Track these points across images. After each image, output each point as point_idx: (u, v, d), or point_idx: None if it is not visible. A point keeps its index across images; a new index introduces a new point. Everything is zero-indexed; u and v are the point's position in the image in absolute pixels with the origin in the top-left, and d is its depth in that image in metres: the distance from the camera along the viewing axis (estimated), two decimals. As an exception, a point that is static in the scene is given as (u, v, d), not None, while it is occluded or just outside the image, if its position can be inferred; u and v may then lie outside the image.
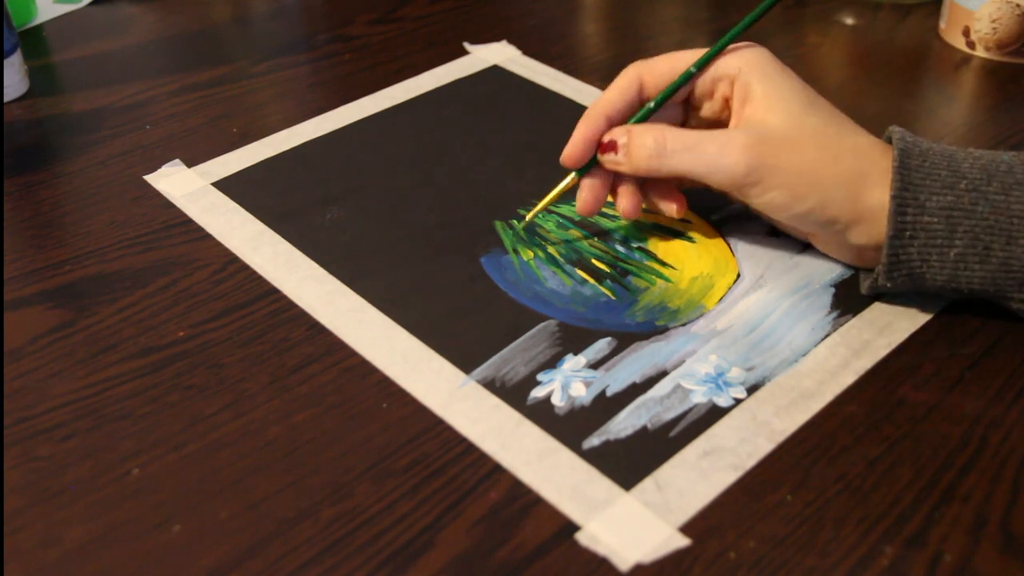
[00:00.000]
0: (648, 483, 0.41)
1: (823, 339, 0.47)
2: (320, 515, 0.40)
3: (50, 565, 0.38)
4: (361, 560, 0.38)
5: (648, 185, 0.52)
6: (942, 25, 0.74)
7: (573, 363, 0.46)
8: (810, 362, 0.46)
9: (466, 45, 0.74)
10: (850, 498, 0.40)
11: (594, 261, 0.52)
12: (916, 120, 0.65)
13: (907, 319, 0.48)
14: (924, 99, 0.68)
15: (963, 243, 0.44)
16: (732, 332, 0.48)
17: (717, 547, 0.38)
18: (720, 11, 0.79)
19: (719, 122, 0.51)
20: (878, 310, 0.49)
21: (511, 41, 0.74)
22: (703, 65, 0.50)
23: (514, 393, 0.45)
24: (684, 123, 0.53)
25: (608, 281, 0.51)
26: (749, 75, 0.48)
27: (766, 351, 0.47)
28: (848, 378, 0.45)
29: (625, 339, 0.47)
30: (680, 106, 0.52)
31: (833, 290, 0.50)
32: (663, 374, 0.46)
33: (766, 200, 0.47)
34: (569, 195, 0.57)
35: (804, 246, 0.53)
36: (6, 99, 0.68)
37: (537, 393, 0.45)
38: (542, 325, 0.48)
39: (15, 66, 0.68)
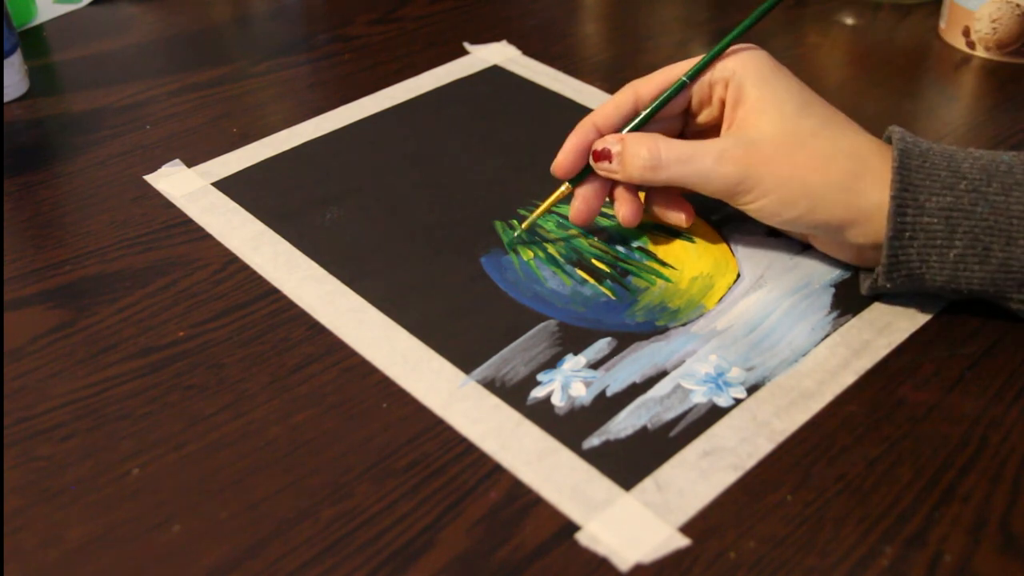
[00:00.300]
0: (648, 483, 0.41)
1: (823, 339, 0.47)
2: (320, 515, 0.40)
3: (50, 565, 0.38)
4: (361, 560, 0.38)
5: (653, 194, 0.53)
6: (942, 25, 0.74)
7: (573, 363, 0.46)
8: (810, 362, 0.46)
9: (466, 45, 0.74)
10: (850, 498, 0.40)
11: (594, 261, 0.52)
12: (916, 120, 0.65)
13: (907, 319, 0.48)
14: (924, 99, 0.68)
15: (963, 244, 0.44)
16: (732, 332, 0.48)
17: (717, 547, 0.38)
18: (720, 11, 0.79)
19: (718, 127, 0.51)
20: (878, 310, 0.49)
21: (511, 41, 0.74)
22: (695, 75, 0.50)
23: (514, 393, 0.45)
24: (682, 133, 0.53)
25: (608, 281, 0.51)
26: (743, 78, 0.48)
27: (766, 351, 0.47)
28: (848, 378, 0.45)
29: (625, 339, 0.47)
30: (679, 117, 0.52)
31: (833, 290, 0.50)
32: (663, 374, 0.46)
33: (757, 207, 0.47)
34: (570, 195, 0.57)
35: (804, 246, 0.53)
36: (6, 99, 0.68)
37: (537, 393, 0.45)
38: (542, 325, 0.48)
39: (15, 66, 0.68)
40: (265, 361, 0.47)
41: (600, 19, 0.81)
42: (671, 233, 0.54)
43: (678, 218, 0.52)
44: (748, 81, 0.48)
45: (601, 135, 0.51)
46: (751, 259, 0.52)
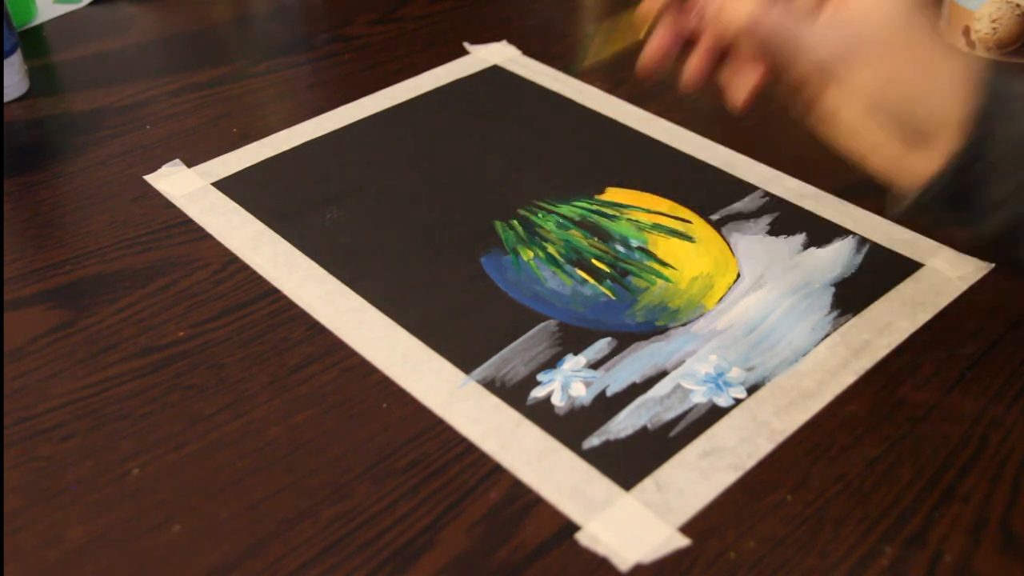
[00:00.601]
0: (648, 483, 0.41)
1: (823, 339, 0.47)
2: (320, 515, 0.40)
3: (50, 565, 0.38)
4: (361, 560, 0.38)
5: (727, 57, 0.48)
6: (942, 25, 0.74)
7: (573, 363, 0.46)
8: (810, 362, 0.46)
9: (466, 45, 0.74)
10: (850, 498, 0.40)
11: (594, 261, 0.52)
12: (916, 120, 0.65)
13: (907, 319, 0.48)
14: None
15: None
16: (732, 332, 0.48)
17: (717, 547, 0.38)
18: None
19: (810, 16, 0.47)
20: (878, 310, 0.49)
21: (511, 41, 0.74)
22: None
23: (514, 393, 0.45)
24: None
25: (608, 281, 0.51)
26: None
27: (766, 351, 0.47)
28: (848, 378, 0.45)
29: (625, 339, 0.47)
30: None
31: (833, 290, 0.50)
32: (663, 374, 0.46)
33: (849, 95, 0.44)
34: (570, 196, 0.57)
35: (804, 246, 0.53)
36: (6, 99, 0.68)
37: (537, 393, 0.45)
38: (542, 325, 0.48)
39: (15, 66, 0.68)
40: (265, 361, 0.47)
41: (600, 19, 0.81)
42: (671, 233, 0.54)
43: (746, 81, 0.47)
44: None
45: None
46: (751, 259, 0.52)
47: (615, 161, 0.60)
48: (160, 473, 0.42)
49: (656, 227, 0.55)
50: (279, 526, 0.39)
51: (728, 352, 0.47)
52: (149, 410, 0.45)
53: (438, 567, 0.38)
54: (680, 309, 0.49)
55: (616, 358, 0.46)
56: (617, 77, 0.69)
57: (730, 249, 0.53)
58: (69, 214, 0.58)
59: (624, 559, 0.38)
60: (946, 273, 0.51)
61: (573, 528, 0.39)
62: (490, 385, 0.45)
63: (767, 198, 0.56)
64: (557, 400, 0.44)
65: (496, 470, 0.42)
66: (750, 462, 0.41)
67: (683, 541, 0.38)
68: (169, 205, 0.58)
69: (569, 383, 0.45)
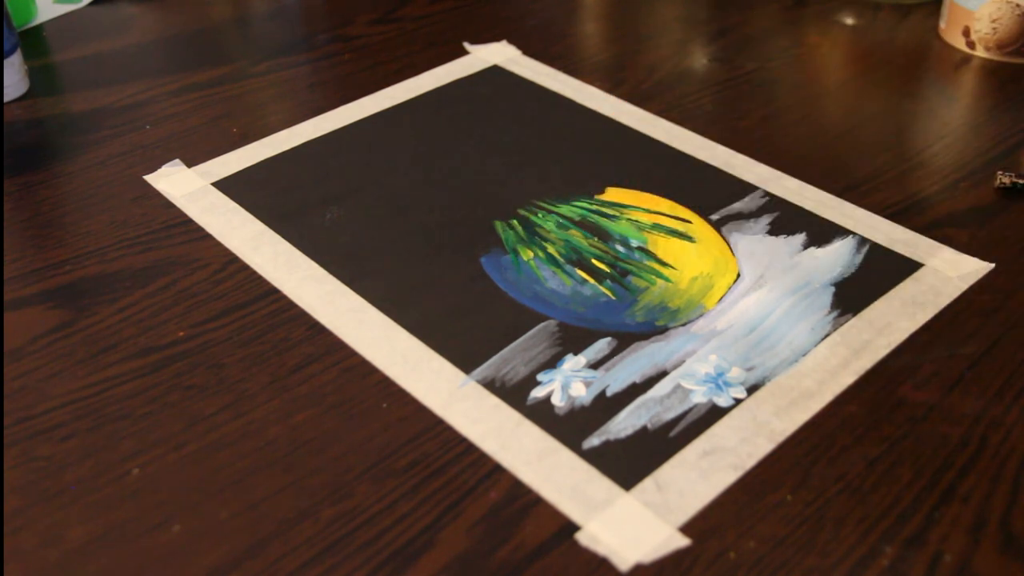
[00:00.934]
0: (648, 483, 0.41)
1: (823, 339, 0.47)
2: (320, 515, 0.40)
3: (50, 565, 0.38)
4: (361, 560, 0.38)
5: None
6: (942, 25, 0.74)
7: (573, 363, 0.46)
8: (810, 362, 0.46)
9: (466, 45, 0.74)
10: (850, 498, 0.40)
11: (594, 261, 0.52)
12: (916, 120, 0.65)
13: (907, 319, 0.48)
14: (924, 99, 0.68)
15: None
16: (732, 332, 0.48)
17: (717, 547, 0.38)
18: (720, 11, 0.79)
19: None
20: (878, 310, 0.49)
21: (511, 41, 0.74)
22: None
23: (514, 393, 0.45)
24: None
25: (608, 281, 0.51)
26: None
27: (766, 351, 0.47)
28: (848, 378, 0.45)
29: (625, 339, 0.47)
30: None
31: (833, 290, 0.50)
32: (663, 374, 0.46)
33: None
34: (570, 196, 0.57)
35: (804, 246, 0.53)
36: (6, 99, 0.68)
37: (537, 393, 0.45)
38: (542, 325, 0.48)
39: (15, 66, 0.68)
40: (265, 361, 0.47)
41: (600, 19, 0.81)
42: (671, 233, 0.54)
43: None
44: None
45: None
46: (751, 259, 0.52)
47: (615, 161, 0.60)
48: (160, 473, 0.42)
49: (656, 227, 0.55)
50: (279, 526, 0.39)
51: (728, 352, 0.47)
52: (149, 410, 0.45)
53: (438, 567, 0.38)
54: (680, 309, 0.49)
55: (616, 358, 0.46)
56: (617, 77, 0.69)
57: (730, 249, 0.53)
58: (69, 214, 0.58)
59: (624, 559, 0.38)
60: (946, 273, 0.51)
61: (573, 528, 0.39)
62: (490, 385, 0.45)
63: (767, 198, 0.56)
64: (557, 400, 0.44)
65: (496, 470, 0.42)
66: (750, 462, 0.41)
67: (683, 541, 0.38)
68: (169, 205, 0.58)
69: (569, 383, 0.45)
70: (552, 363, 0.46)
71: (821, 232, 0.54)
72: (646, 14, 0.79)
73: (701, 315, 0.49)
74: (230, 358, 0.47)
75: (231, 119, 0.66)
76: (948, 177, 0.59)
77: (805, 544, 0.38)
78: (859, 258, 0.52)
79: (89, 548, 0.39)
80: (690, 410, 0.44)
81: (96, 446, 0.43)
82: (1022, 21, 0.69)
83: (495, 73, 0.70)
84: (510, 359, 0.46)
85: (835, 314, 0.49)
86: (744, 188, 0.57)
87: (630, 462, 0.41)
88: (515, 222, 0.55)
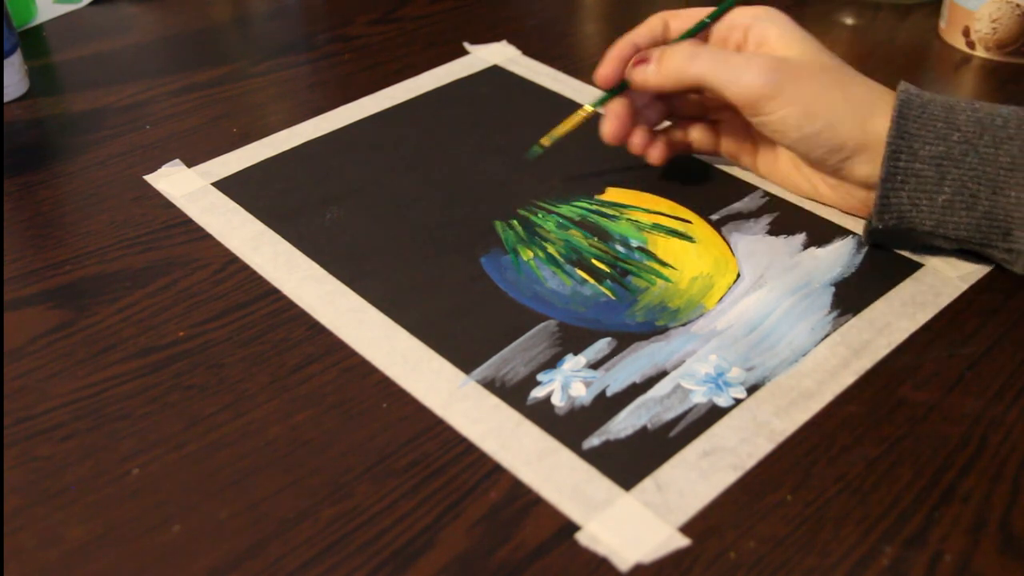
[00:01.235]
0: (648, 483, 0.41)
1: (823, 339, 0.47)
2: (320, 515, 0.40)
3: (50, 565, 0.38)
4: (361, 560, 0.38)
5: (675, 107, 0.57)
6: (942, 25, 0.74)
7: (573, 363, 0.46)
8: (810, 362, 0.46)
9: (466, 45, 0.74)
10: (850, 498, 0.40)
11: (594, 261, 0.52)
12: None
13: (907, 319, 0.48)
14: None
15: (951, 190, 0.47)
16: (732, 332, 0.48)
17: (717, 547, 0.38)
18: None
19: None
20: (878, 310, 0.49)
21: (511, 41, 0.74)
22: (718, 16, 0.54)
23: (514, 393, 0.45)
24: None
25: (608, 281, 0.51)
26: (765, 22, 0.52)
27: (766, 351, 0.47)
28: (848, 378, 0.45)
29: (625, 339, 0.47)
30: None
31: (833, 290, 0.50)
32: (663, 374, 0.46)
33: (780, 116, 0.49)
34: (569, 195, 0.57)
35: (804, 246, 0.53)
36: (6, 99, 0.68)
37: (537, 393, 0.45)
38: (542, 325, 0.48)
39: (15, 66, 0.68)
40: (265, 361, 0.47)
41: (600, 19, 0.81)
42: (671, 233, 0.54)
43: (692, 137, 0.57)
44: (770, 24, 0.51)
45: (639, 50, 0.54)
46: (751, 259, 0.52)
47: (615, 161, 0.60)
48: (160, 473, 0.42)
49: (656, 227, 0.55)
50: (279, 526, 0.39)
51: (728, 352, 0.47)
52: (149, 410, 0.45)
53: (438, 567, 0.38)
54: (680, 309, 0.49)
55: (616, 358, 0.46)
56: (617, 77, 0.69)
57: (730, 249, 0.53)
58: (69, 214, 0.58)
59: (624, 559, 0.38)
60: (946, 273, 0.51)
61: (573, 528, 0.39)
62: (490, 385, 0.45)
63: (767, 198, 0.56)
64: (557, 400, 0.44)
65: (496, 470, 0.42)
66: (750, 462, 0.41)
67: (683, 541, 0.38)
68: (169, 205, 0.58)
69: (569, 383, 0.45)
70: (552, 363, 0.46)
71: (821, 232, 0.54)
72: (646, 14, 0.79)
73: (701, 315, 0.49)
74: (230, 358, 0.47)
75: (231, 119, 0.66)
76: (948, 177, 0.59)
77: (805, 544, 0.38)
78: (859, 258, 0.52)
79: (89, 548, 0.39)
80: (690, 410, 0.44)
81: (96, 446, 0.43)
82: (1022, 21, 0.69)
83: (495, 73, 0.70)
84: (510, 359, 0.46)
85: (835, 314, 0.49)
86: (744, 188, 0.57)
87: (630, 462, 0.41)
88: (515, 222, 0.55)
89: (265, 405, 0.45)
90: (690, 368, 0.46)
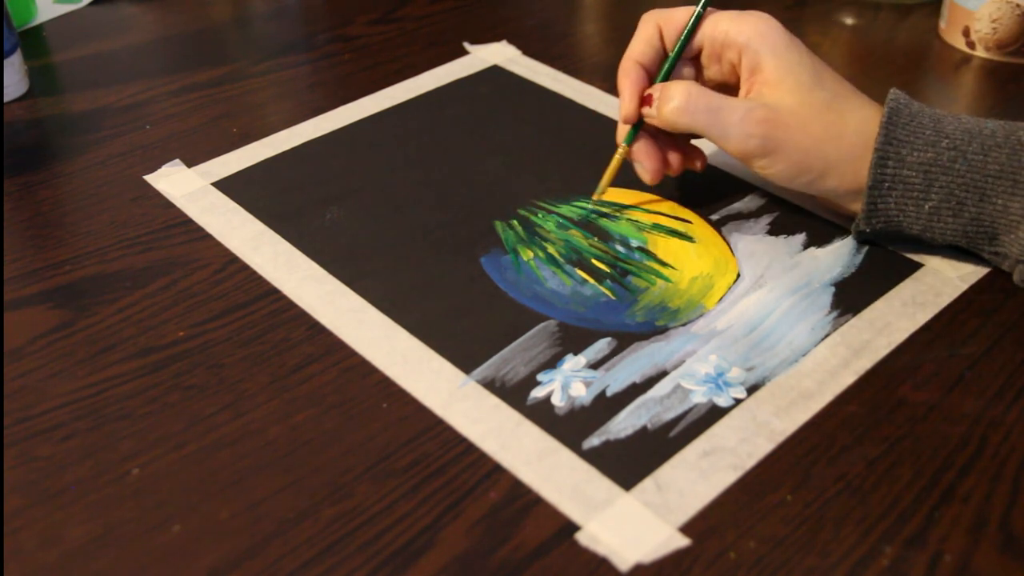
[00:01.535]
0: (648, 483, 0.41)
1: (823, 339, 0.47)
2: (320, 515, 0.40)
3: (50, 565, 0.38)
4: (361, 560, 0.38)
5: (672, 139, 0.55)
6: (942, 25, 0.74)
7: (573, 363, 0.46)
8: (810, 362, 0.46)
9: (466, 45, 0.74)
10: (850, 498, 0.40)
11: (594, 261, 0.52)
12: (916, 120, 0.65)
13: (907, 319, 0.48)
14: (924, 99, 0.68)
15: (938, 197, 0.47)
16: (732, 332, 0.48)
17: (717, 547, 0.38)
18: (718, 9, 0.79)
19: (726, 84, 0.53)
20: (878, 310, 0.49)
21: (511, 41, 0.74)
22: (698, 22, 0.52)
23: (514, 393, 0.45)
24: (697, 79, 0.55)
25: (608, 281, 0.51)
26: (759, 46, 0.50)
27: (766, 351, 0.47)
28: (848, 378, 0.45)
29: (625, 339, 0.47)
30: (692, 64, 0.54)
31: (833, 290, 0.50)
32: (663, 374, 0.46)
33: (773, 172, 0.50)
34: (570, 196, 0.57)
35: (804, 246, 0.53)
36: (6, 99, 0.68)
37: (537, 393, 0.45)
38: (542, 325, 0.48)
39: (15, 66, 0.68)
40: (265, 361, 0.47)
41: (600, 19, 0.81)
42: (671, 233, 0.54)
43: (694, 163, 0.56)
44: (764, 50, 0.50)
45: (647, 71, 0.53)
46: (751, 259, 0.52)
47: (615, 161, 0.60)
48: (160, 473, 0.42)
49: (656, 227, 0.55)
50: (279, 526, 0.39)
51: (728, 352, 0.47)
52: (149, 410, 0.45)
53: (438, 567, 0.38)
54: (680, 309, 0.49)
55: (616, 358, 0.46)
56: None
57: (730, 249, 0.53)
58: (69, 214, 0.58)
59: (624, 559, 0.38)
60: (946, 273, 0.51)
61: (573, 528, 0.39)
62: (490, 385, 0.45)
63: (767, 198, 0.56)
64: (557, 400, 0.44)
65: (496, 470, 0.42)
66: (750, 462, 0.41)
67: (683, 541, 0.38)
68: (169, 205, 0.58)
69: (569, 383, 0.45)
70: (552, 363, 0.46)
71: (821, 232, 0.54)
72: (646, 14, 0.79)
73: (701, 315, 0.49)
74: (230, 358, 0.47)
75: (231, 119, 0.66)
76: (948, 177, 0.59)
77: (805, 544, 0.38)
78: (859, 258, 0.52)
79: (89, 548, 0.39)
80: (690, 410, 0.44)
81: (96, 446, 0.43)
82: (1022, 21, 0.69)
83: (495, 73, 0.70)
84: (510, 359, 0.46)
85: (835, 314, 0.49)
86: (744, 188, 0.57)
87: (630, 462, 0.41)
88: (515, 222, 0.55)
89: (265, 405, 0.45)
90: (690, 368, 0.46)
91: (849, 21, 0.77)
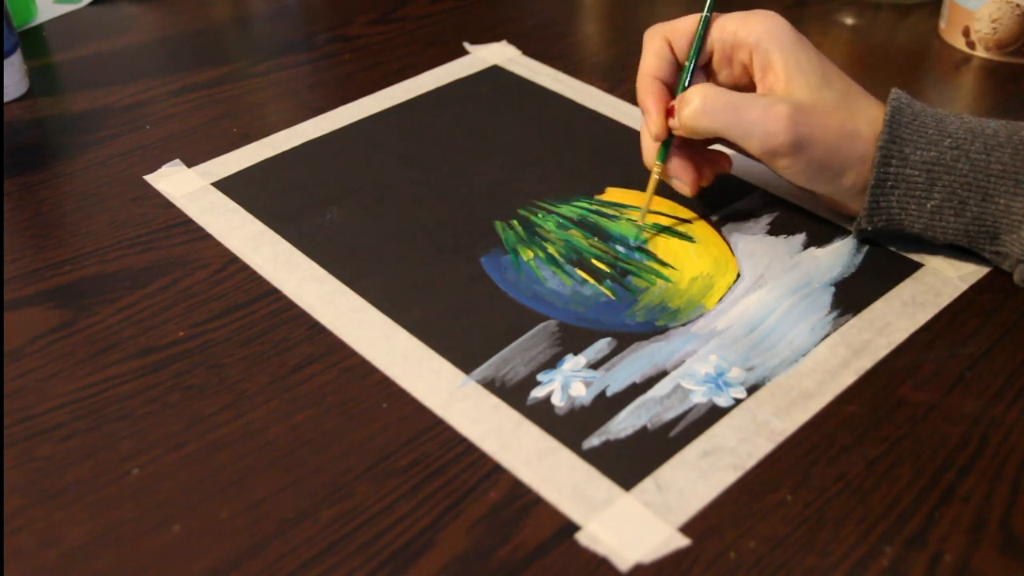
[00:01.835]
0: (648, 483, 0.41)
1: (823, 339, 0.47)
2: (320, 515, 0.40)
3: (50, 565, 0.38)
4: (361, 560, 0.38)
5: (693, 151, 0.54)
6: (942, 25, 0.74)
7: (573, 363, 0.46)
8: (810, 362, 0.46)
9: (466, 45, 0.74)
10: (850, 498, 0.40)
11: (594, 261, 0.52)
12: (916, 120, 0.65)
13: (907, 319, 0.48)
14: (924, 99, 0.68)
15: (940, 196, 0.47)
16: (732, 332, 0.48)
17: (717, 547, 0.38)
18: (720, 11, 0.79)
19: (738, 87, 0.53)
20: (878, 310, 0.49)
21: (511, 41, 0.74)
22: (705, 30, 0.52)
23: (514, 393, 0.45)
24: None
25: (608, 281, 0.51)
26: (768, 44, 0.50)
27: (766, 351, 0.47)
28: (848, 378, 0.45)
29: (625, 339, 0.47)
30: (703, 70, 0.54)
31: (833, 290, 0.50)
32: (663, 374, 0.46)
33: (794, 171, 0.49)
34: (570, 196, 0.57)
35: (804, 246, 0.53)
36: (6, 99, 0.68)
37: (537, 393, 0.45)
38: (542, 325, 0.48)
39: (15, 66, 0.68)
40: (265, 361, 0.47)
41: (600, 19, 0.81)
42: (671, 233, 0.54)
43: (723, 166, 0.55)
44: (774, 48, 0.50)
45: (666, 85, 0.53)
46: (751, 259, 0.52)
47: (615, 161, 0.60)
48: (160, 473, 0.42)
49: (656, 227, 0.55)
50: (279, 526, 0.39)
51: (728, 352, 0.47)
52: (149, 410, 0.45)
53: (438, 567, 0.38)
54: (680, 309, 0.49)
55: (616, 358, 0.46)
56: (617, 77, 0.69)
57: (730, 249, 0.53)
58: (69, 214, 0.58)
59: (624, 559, 0.38)
60: (946, 273, 0.51)
61: (573, 528, 0.39)
62: (490, 385, 0.45)
63: (767, 198, 0.56)
64: (557, 400, 0.44)
65: (496, 470, 0.42)
66: (750, 462, 0.41)
67: (683, 541, 0.38)
68: (169, 205, 0.58)
69: (569, 383, 0.45)
70: (552, 363, 0.46)
71: (821, 232, 0.54)
72: (646, 14, 0.79)
73: (701, 315, 0.49)
74: (230, 358, 0.47)
75: (231, 119, 0.66)
76: (948, 177, 0.59)
77: (805, 544, 0.38)
78: (859, 258, 0.52)
79: (89, 548, 0.39)
80: (690, 410, 0.44)
81: (96, 446, 0.43)
82: (1022, 21, 0.69)
83: (495, 73, 0.70)
84: (510, 359, 0.46)
85: (835, 314, 0.49)
86: (744, 188, 0.57)
87: (630, 462, 0.41)
88: (515, 222, 0.55)
89: (265, 405, 0.45)
90: (690, 368, 0.46)
91: (849, 21, 0.77)
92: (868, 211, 0.49)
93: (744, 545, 0.38)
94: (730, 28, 0.51)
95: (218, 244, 0.54)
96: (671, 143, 0.52)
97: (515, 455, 0.42)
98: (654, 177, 0.53)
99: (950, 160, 0.47)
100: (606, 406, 0.44)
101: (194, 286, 0.52)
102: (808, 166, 0.49)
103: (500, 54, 0.73)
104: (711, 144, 0.56)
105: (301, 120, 0.65)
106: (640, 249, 0.53)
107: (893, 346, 0.47)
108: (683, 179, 0.53)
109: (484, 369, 0.46)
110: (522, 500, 0.40)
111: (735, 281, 0.51)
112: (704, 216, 0.55)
